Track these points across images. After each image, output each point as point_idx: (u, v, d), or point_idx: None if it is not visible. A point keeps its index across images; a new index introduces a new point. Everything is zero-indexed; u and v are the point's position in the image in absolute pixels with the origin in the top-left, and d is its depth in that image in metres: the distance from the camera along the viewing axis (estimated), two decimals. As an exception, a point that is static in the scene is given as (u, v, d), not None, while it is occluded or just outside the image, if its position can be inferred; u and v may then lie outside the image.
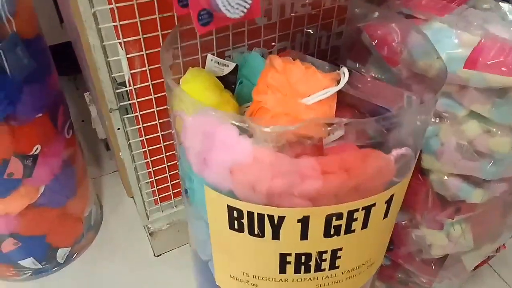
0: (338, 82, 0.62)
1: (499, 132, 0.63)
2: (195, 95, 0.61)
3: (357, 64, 0.76)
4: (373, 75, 0.73)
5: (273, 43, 0.84)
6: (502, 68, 0.57)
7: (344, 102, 0.64)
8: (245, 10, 0.46)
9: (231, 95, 0.66)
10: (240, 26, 0.80)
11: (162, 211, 1.04)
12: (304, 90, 0.60)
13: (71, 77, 1.68)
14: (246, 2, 0.45)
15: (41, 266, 1.06)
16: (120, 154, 0.88)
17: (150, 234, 1.08)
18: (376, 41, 0.70)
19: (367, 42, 0.72)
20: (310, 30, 0.85)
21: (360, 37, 0.73)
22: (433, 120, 0.67)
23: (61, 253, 1.08)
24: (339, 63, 0.82)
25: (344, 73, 0.62)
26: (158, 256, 1.14)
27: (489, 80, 0.59)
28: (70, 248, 1.10)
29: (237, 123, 0.48)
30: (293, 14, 0.83)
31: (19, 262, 1.03)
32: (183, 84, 0.62)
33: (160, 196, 1.00)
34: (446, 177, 0.70)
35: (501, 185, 0.69)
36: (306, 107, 0.60)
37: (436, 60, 0.57)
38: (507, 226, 0.80)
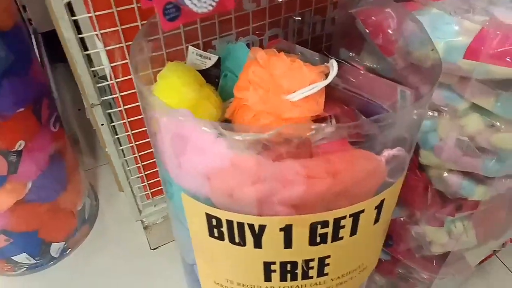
0: (327, 75, 0.57)
1: (503, 127, 0.58)
2: (173, 91, 0.57)
3: (351, 53, 0.71)
4: (367, 64, 0.68)
5: (258, 31, 0.79)
6: (507, 59, 0.52)
7: (334, 96, 0.59)
8: (213, 4, 0.42)
9: (213, 90, 0.62)
10: (227, 13, 0.74)
11: (155, 206, 1.01)
12: (289, 85, 0.55)
13: (67, 64, 1.64)
14: (214, -6, 0.40)
15: (35, 261, 1.05)
16: (106, 149, 0.85)
17: (144, 228, 1.06)
18: (370, 28, 0.64)
19: (361, 29, 0.67)
20: (299, 18, 0.79)
21: (354, 23, 0.68)
22: (431, 114, 0.62)
23: (55, 248, 1.07)
24: (332, 51, 0.77)
25: (333, 65, 0.57)
26: (154, 249, 1.11)
27: (493, 72, 0.53)
28: (64, 242, 1.08)
29: (207, 129, 0.44)
30: (283, -2, 0.78)
31: (12, 257, 1.01)
32: (160, 79, 0.58)
33: (152, 190, 0.97)
34: (446, 174, 0.65)
35: (507, 182, 0.64)
36: (291, 104, 0.55)
37: (431, 52, 0.52)
38: (513, 221, 0.75)
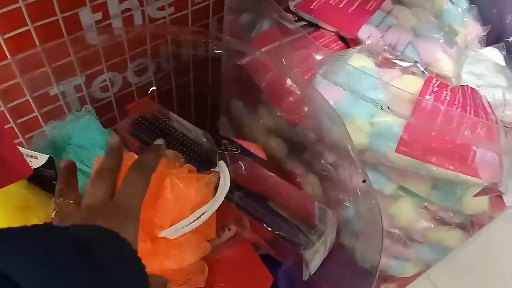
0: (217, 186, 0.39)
1: (441, 215, 0.46)
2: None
3: (245, 106, 0.53)
4: (268, 124, 0.51)
5: (120, 67, 0.57)
6: (453, 158, 0.38)
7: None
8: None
9: (46, 208, 0.41)
10: (62, 55, 0.51)
11: None
12: (161, 217, 0.37)
13: None
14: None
15: None
16: None
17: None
18: (265, 87, 0.46)
19: (254, 78, 0.49)
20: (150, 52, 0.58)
21: (246, 70, 0.49)
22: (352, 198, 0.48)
23: None
24: (222, 99, 0.59)
25: (224, 173, 0.39)
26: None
27: (434, 172, 0.39)
28: None
29: None
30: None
31: None
32: None
33: None
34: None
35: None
36: (169, 244, 0.37)
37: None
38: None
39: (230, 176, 0.39)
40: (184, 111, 0.50)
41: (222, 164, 0.39)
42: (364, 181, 0.36)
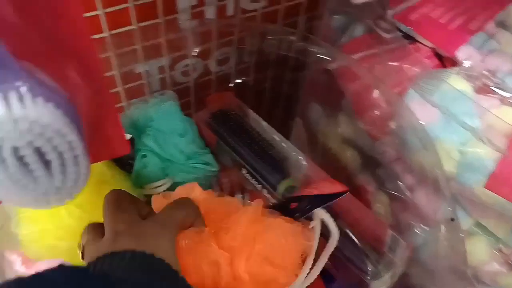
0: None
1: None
2: (46, 213, 0.37)
3: (324, 111, 0.52)
4: (343, 133, 0.49)
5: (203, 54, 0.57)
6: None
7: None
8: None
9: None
10: (153, 36, 0.52)
11: None
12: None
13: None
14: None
15: None
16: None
17: None
18: (351, 95, 0.45)
19: (341, 87, 0.47)
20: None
21: (331, 76, 0.48)
22: (423, 227, 0.45)
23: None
24: (301, 104, 0.57)
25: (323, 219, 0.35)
26: None
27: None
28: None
29: None
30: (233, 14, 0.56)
31: None
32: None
33: None
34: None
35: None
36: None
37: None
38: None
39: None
40: (257, 106, 0.50)
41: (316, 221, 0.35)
42: (453, 219, 0.34)
